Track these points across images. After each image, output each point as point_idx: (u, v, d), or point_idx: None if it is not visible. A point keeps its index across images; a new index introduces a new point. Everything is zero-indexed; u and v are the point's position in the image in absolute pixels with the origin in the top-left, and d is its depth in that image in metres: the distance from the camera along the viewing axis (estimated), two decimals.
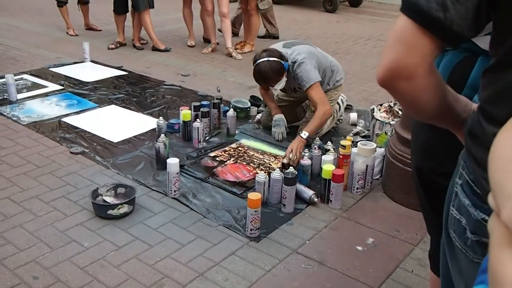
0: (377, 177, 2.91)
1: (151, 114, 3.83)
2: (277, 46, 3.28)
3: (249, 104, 3.89)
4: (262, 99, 3.91)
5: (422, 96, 0.86)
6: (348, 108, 3.89)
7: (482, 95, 0.86)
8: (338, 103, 3.56)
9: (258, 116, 3.71)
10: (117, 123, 3.67)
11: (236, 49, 5.65)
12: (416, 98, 0.87)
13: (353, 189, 2.77)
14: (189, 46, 5.99)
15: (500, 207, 0.50)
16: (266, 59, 3.05)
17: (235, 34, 6.19)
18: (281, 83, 3.14)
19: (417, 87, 0.84)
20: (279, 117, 3.38)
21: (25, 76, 4.67)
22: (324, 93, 3.16)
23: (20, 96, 4.11)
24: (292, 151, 2.94)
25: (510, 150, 0.57)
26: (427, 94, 0.86)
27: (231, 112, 3.47)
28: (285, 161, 2.83)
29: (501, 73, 0.79)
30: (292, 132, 3.43)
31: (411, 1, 0.81)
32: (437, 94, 0.88)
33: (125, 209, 2.49)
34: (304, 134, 3.04)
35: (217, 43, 5.91)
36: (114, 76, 4.75)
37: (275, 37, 6.19)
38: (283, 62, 3.06)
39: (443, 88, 0.91)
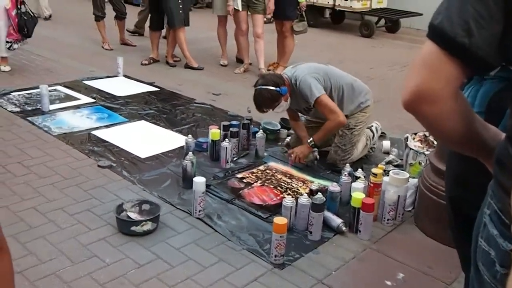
0: (409, 208, 2.85)
1: (180, 132, 3.86)
2: (287, 69, 3.44)
3: (279, 126, 3.88)
4: None
5: (447, 121, 0.87)
6: (381, 136, 3.84)
7: (510, 123, 0.85)
8: (372, 131, 3.53)
9: (288, 139, 3.69)
10: (145, 138, 3.71)
11: (268, 70, 5.67)
12: (440, 123, 0.87)
13: (384, 220, 2.71)
14: (222, 65, 6.05)
15: None
16: (259, 87, 3.16)
17: (140, 34, 7.15)
18: (282, 107, 3.23)
19: (441, 111, 0.85)
20: None
21: (59, 87, 4.80)
22: (332, 102, 3.18)
23: (52, 107, 4.21)
24: (293, 152, 3.26)
25: None
26: (452, 119, 0.87)
27: (260, 134, 3.47)
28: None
29: None
30: (323, 157, 3.40)
31: (436, 26, 0.82)
32: (463, 119, 0.88)
33: (148, 226, 2.50)
34: (310, 140, 3.24)
35: (250, 64, 5.95)
36: (146, 92, 4.84)
37: (141, 34, 7.13)
38: (277, 89, 3.12)
39: (470, 115, 0.90)
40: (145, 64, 5.86)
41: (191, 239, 2.49)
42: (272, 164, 3.38)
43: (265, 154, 3.51)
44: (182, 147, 3.43)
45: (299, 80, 3.17)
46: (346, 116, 3.30)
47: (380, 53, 7.12)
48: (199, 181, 2.66)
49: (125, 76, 5.31)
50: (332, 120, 3.14)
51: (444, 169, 1.65)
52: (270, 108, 3.23)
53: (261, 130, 3.54)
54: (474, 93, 1.47)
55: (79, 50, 6.32)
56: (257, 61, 5.72)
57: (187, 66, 5.83)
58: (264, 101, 3.16)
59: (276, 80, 3.17)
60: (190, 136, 3.38)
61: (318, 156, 3.38)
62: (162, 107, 4.43)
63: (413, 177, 2.91)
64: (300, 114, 3.53)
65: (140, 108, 4.36)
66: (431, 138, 3.16)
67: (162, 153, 3.44)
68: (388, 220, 2.71)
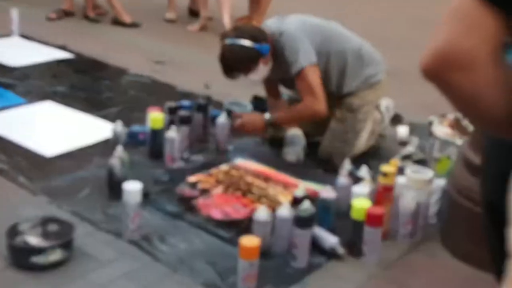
0: (434, 221, 2.93)
1: (105, 117, 3.90)
2: (270, 20, 3.48)
3: (250, 107, 3.94)
4: None
5: (484, 94, 0.90)
6: (396, 120, 3.92)
7: None
8: (380, 112, 3.60)
9: None
10: (53, 128, 3.74)
11: None
12: (475, 97, 0.91)
13: (398, 237, 2.78)
14: (168, 20, 6.07)
15: (508, 234, 0.54)
16: (230, 40, 3.22)
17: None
18: (259, 73, 3.30)
19: (477, 80, 0.89)
20: (294, 132, 3.45)
21: None
22: (319, 81, 3.26)
23: None
24: (241, 117, 3.44)
25: None
26: (491, 91, 0.90)
27: (223, 119, 3.53)
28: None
29: None
30: (313, 152, 3.46)
31: None
32: (506, 92, 0.91)
33: (57, 255, 2.51)
34: (270, 115, 3.37)
35: (210, 18, 5.98)
36: (54, 60, 4.86)
37: None
38: (256, 46, 3.19)
39: None
40: (53, 19, 5.87)
41: (120, 272, 2.51)
42: (240, 162, 3.43)
43: (230, 147, 3.57)
44: (108, 140, 3.46)
45: (285, 35, 3.25)
46: (349, 94, 3.38)
47: (399, 3, 7.21)
48: (133, 188, 2.68)
49: (23, 36, 5.31)
50: (307, 106, 3.25)
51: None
52: (243, 73, 3.28)
53: (225, 114, 3.59)
54: None
55: None
56: (220, 14, 5.74)
57: (116, 22, 5.84)
58: (236, 61, 3.21)
59: (255, 34, 3.24)
60: (119, 123, 3.39)
61: (306, 149, 3.44)
62: (78, 81, 4.46)
63: (440, 177, 2.99)
64: (284, 92, 3.61)
65: (46, 84, 4.39)
66: (465, 122, 3.24)
67: (78, 149, 3.47)
68: (404, 237, 2.77)
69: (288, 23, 3.32)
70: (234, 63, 3.23)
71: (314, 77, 3.23)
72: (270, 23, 3.41)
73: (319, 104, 3.23)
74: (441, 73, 0.90)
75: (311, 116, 3.32)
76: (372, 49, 3.52)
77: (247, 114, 3.53)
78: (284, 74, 3.40)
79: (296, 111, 3.34)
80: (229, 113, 3.69)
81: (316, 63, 3.25)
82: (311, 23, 3.39)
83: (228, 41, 3.23)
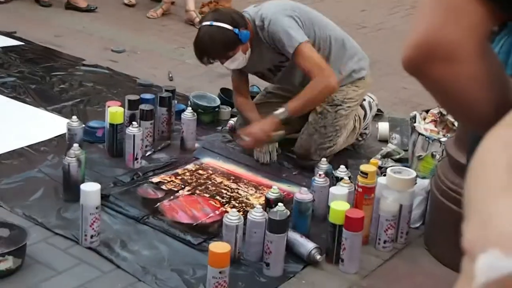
0: (417, 225, 2.96)
1: (59, 112, 3.87)
2: (249, 7, 3.47)
3: (218, 101, 3.93)
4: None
5: (470, 88, 0.92)
6: (377, 115, 3.96)
7: None
8: (363, 107, 3.65)
9: (232, 121, 3.77)
10: (2, 123, 3.71)
11: (202, 13, 5.69)
12: (460, 91, 0.92)
13: (379, 243, 2.80)
14: (127, 4, 6.04)
15: (464, 229, 0.56)
16: (209, 23, 3.22)
17: None
18: (237, 62, 3.29)
19: (462, 72, 0.90)
20: None
21: None
22: (318, 54, 3.28)
23: None
24: (249, 133, 3.26)
25: (490, 154, 0.64)
26: (477, 84, 0.92)
27: (189, 113, 3.52)
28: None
29: None
30: (287, 151, 3.48)
31: None
32: (493, 86, 0.93)
33: (8, 263, 2.48)
34: (280, 110, 3.22)
35: (172, 2, 5.96)
36: (1, 48, 4.81)
37: None
38: (235, 31, 3.19)
39: (504, 79, 0.97)
40: (0, 3, 5.81)
41: (78, 282, 2.50)
42: (208, 161, 3.44)
43: (197, 145, 3.56)
44: (62, 136, 3.44)
45: (269, 20, 3.25)
46: None
47: None
48: (91, 189, 2.67)
49: None
50: (319, 81, 3.18)
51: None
52: (220, 59, 3.29)
53: (190, 108, 3.58)
54: (508, 48, 1.55)
55: None
56: None
57: (70, 6, 5.81)
58: (214, 44, 3.21)
59: (236, 18, 3.25)
60: (75, 118, 3.36)
61: (279, 149, 3.46)
62: (28, 72, 4.43)
63: (423, 177, 3.03)
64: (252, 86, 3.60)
65: None
66: (450, 117, 3.28)
67: (29, 147, 3.44)
68: (385, 242, 2.79)
69: (268, 8, 3.33)
70: (212, 46, 3.22)
71: (313, 52, 3.25)
72: (248, 10, 3.42)
73: (331, 76, 3.21)
74: (423, 65, 0.90)
75: (325, 92, 3.23)
76: (356, 44, 3.55)
77: (253, 125, 3.30)
78: (262, 65, 3.43)
79: (309, 92, 3.22)
80: (197, 108, 3.68)
81: (308, 39, 3.25)
82: (293, 5, 3.40)
83: (207, 23, 3.23)
